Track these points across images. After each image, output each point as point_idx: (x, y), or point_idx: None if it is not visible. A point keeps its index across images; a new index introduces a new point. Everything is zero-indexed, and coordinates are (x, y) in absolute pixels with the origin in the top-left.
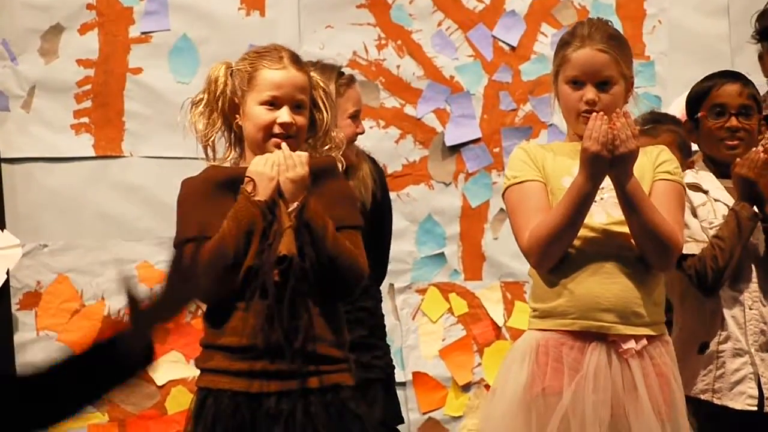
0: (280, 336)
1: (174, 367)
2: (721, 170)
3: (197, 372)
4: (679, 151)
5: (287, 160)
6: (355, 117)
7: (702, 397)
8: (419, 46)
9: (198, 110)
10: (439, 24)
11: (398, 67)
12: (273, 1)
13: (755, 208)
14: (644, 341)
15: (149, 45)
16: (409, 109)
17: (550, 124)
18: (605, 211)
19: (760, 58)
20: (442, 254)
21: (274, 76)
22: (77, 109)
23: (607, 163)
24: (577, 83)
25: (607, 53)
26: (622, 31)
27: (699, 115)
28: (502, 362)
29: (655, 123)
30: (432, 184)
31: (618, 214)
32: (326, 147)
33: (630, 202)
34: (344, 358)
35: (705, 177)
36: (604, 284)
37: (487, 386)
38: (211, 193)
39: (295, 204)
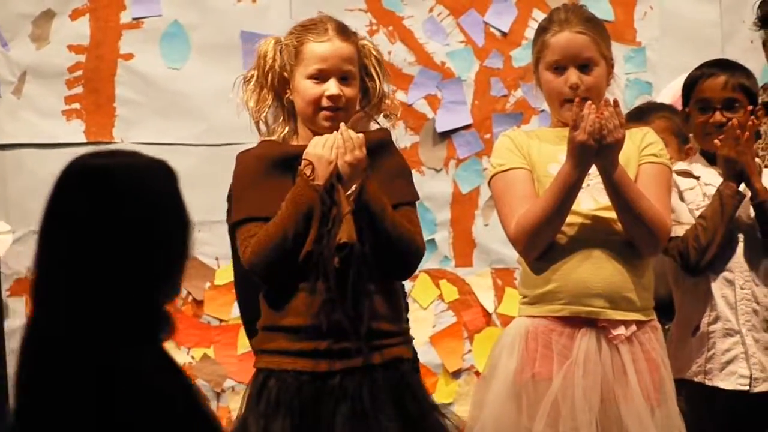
0: (343, 317)
1: None
2: (714, 160)
3: (188, 359)
4: (676, 137)
5: (346, 143)
6: None
7: (695, 379)
8: (410, 32)
9: (249, 87)
10: (431, 10)
11: (389, 53)
12: None
13: (741, 186)
14: (633, 327)
15: (140, 31)
16: (400, 95)
17: (542, 110)
18: (592, 197)
19: (765, 44)
20: (432, 240)
21: (319, 48)
22: (68, 95)
23: (594, 152)
24: (558, 68)
25: (585, 34)
26: (613, 17)
27: (686, 109)
28: (492, 349)
29: (647, 108)
30: (423, 170)
31: (605, 199)
32: (382, 114)
33: (617, 190)
34: (401, 331)
35: (697, 166)
36: (593, 270)
37: (478, 373)
38: (266, 171)
39: (353, 187)
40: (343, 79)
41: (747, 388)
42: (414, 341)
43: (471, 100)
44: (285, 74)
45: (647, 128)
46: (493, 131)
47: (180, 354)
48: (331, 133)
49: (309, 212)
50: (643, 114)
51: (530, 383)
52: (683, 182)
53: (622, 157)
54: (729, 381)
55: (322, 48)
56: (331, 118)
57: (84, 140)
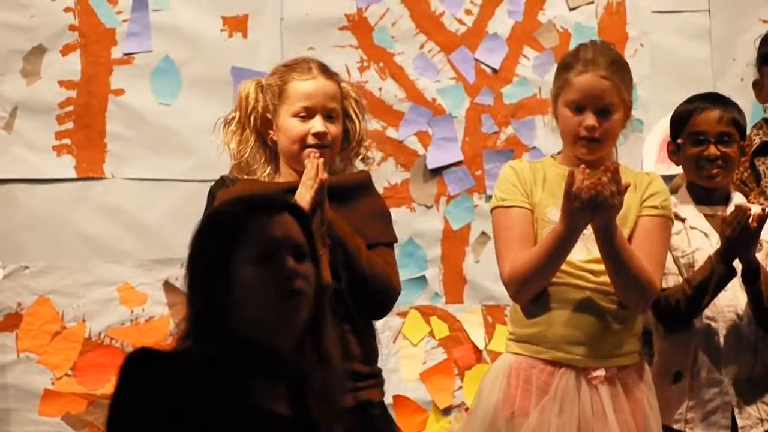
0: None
1: None
2: (701, 194)
3: None
4: None
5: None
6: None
7: (675, 426)
8: (401, 68)
9: (230, 128)
10: (422, 46)
11: (380, 89)
12: (255, 22)
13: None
14: (615, 370)
15: (131, 66)
16: (390, 132)
17: (532, 147)
18: (586, 247)
19: (755, 84)
20: (423, 277)
21: (304, 86)
22: (59, 131)
23: (589, 215)
24: (578, 108)
25: (609, 80)
26: None
27: (679, 141)
28: (480, 383)
29: None
30: (413, 206)
31: (597, 251)
32: (360, 157)
33: (610, 251)
34: (374, 373)
35: (684, 207)
36: (579, 319)
37: (467, 409)
38: None
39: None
40: (328, 117)
41: None
42: (403, 378)
43: (462, 137)
44: (268, 115)
45: (654, 174)
46: (484, 168)
47: None
48: None
49: None
50: None
51: (510, 419)
52: None
53: (623, 202)
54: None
55: (307, 86)
56: (316, 155)
57: (74, 176)
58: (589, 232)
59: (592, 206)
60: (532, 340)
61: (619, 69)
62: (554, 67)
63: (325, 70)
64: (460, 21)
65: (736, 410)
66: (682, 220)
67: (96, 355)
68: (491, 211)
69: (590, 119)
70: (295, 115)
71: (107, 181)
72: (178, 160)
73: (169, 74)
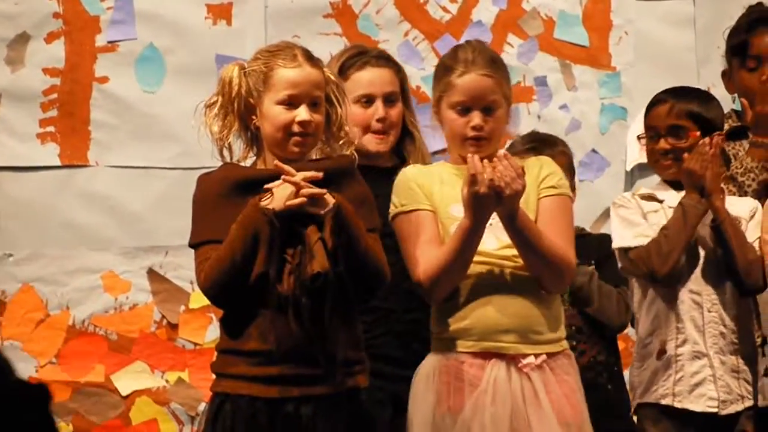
0: (302, 343)
1: (138, 378)
2: (676, 182)
3: (162, 383)
4: (569, 173)
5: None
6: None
7: (663, 401)
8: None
9: (213, 113)
10: (406, 34)
11: None
12: (240, 10)
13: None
14: (544, 356)
15: (116, 54)
16: None
17: (517, 135)
18: (495, 237)
19: (724, 74)
20: None
21: (290, 74)
22: (43, 118)
23: (494, 203)
24: (462, 109)
25: (491, 77)
26: (588, 42)
27: (639, 136)
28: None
29: (544, 145)
30: None
31: (507, 238)
32: (341, 142)
33: (520, 236)
34: (359, 359)
35: (663, 194)
36: (502, 306)
37: None
38: (227, 193)
39: (324, 212)
40: (313, 104)
41: (716, 410)
42: None
43: None
44: (251, 100)
45: (544, 158)
46: None
47: (154, 378)
48: (299, 156)
49: (256, 234)
50: (541, 146)
51: (447, 416)
52: (647, 205)
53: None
54: (698, 403)
55: (293, 74)
56: (301, 144)
57: (58, 163)
58: (495, 221)
59: (497, 190)
60: (458, 335)
61: (498, 66)
62: (538, 55)
63: (310, 57)
64: (444, 9)
65: (719, 383)
66: (660, 201)
67: (80, 343)
68: (392, 220)
69: (477, 118)
70: (280, 103)
71: (91, 169)
72: (163, 147)
73: (154, 62)
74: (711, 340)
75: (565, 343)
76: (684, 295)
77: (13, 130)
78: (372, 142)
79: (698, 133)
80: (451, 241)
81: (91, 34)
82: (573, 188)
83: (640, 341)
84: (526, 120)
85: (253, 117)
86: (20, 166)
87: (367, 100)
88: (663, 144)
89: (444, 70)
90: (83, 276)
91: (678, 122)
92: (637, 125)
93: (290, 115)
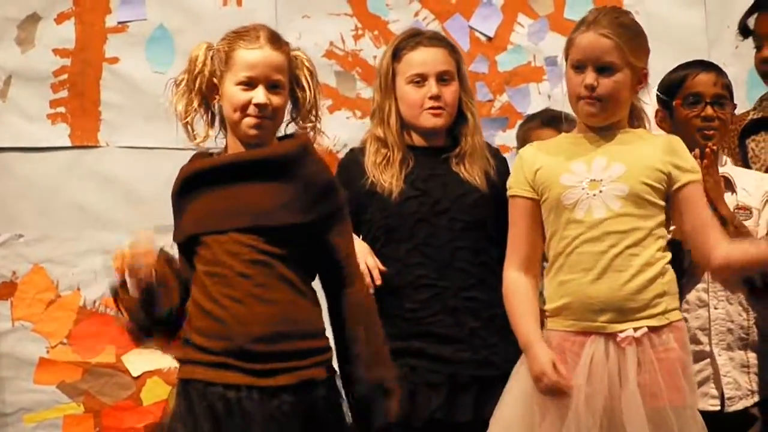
0: (254, 332)
1: (149, 358)
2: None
3: (173, 363)
4: None
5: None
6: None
7: None
8: (396, 36)
9: (179, 90)
10: (416, 14)
11: (375, 57)
12: None
13: None
14: (644, 329)
15: (126, 35)
16: None
17: (527, 115)
18: (605, 204)
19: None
20: None
21: (249, 56)
22: (53, 99)
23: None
24: (579, 67)
25: (610, 39)
26: None
27: (674, 103)
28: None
29: (557, 121)
30: None
31: (617, 206)
32: (309, 123)
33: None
34: (317, 349)
35: None
36: (600, 283)
37: None
38: (180, 191)
39: None
40: (272, 87)
41: (718, 408)
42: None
43: None
44: (214, 80)
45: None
46: None
47: (165, 358)
48: (256, 140)
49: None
50: (554, 123)
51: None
52: None
53: (642, 159)
54: (702, 402)
55: (252, 55)
56: (257, 126)
57: (69, 144)
58: (606, 188)
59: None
60: (560, 313)
61: (626, 31)
62: (549, 35)
63: (274, 40)
64: None
65: (725, 380)
66: None
67: (91, 324)
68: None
69: (589, 77)
70: (239, 84)
71: (102, 150)
72: (173, 128)
73: (164, 42)
74: (717, 338)
75: (673, 315)
76: (690, 295)
77: (24, 110)
78: (428, 118)
79: (736, 106)
80: (513, 317)
81: (101, 14)
82: None
83: None
84: (536, 99)
85: (216, 97)
86: (31, 146)
87: (420, 80)
88: (710, 111)
89: (573, 30)
90: (94, 256)
91: (722, 92)
92: (652, 104)
93: (247, 96)
